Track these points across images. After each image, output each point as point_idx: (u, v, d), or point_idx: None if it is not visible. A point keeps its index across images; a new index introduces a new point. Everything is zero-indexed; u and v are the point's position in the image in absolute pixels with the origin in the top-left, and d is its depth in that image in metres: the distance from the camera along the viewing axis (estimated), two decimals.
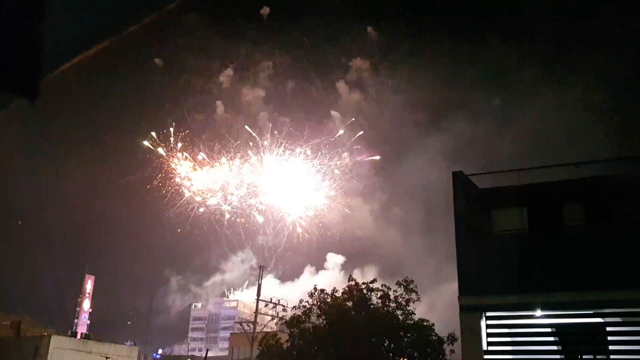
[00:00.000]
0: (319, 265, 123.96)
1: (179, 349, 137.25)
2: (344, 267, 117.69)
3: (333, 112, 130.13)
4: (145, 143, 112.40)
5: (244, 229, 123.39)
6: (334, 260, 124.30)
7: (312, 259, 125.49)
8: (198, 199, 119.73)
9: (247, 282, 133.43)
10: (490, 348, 19.74)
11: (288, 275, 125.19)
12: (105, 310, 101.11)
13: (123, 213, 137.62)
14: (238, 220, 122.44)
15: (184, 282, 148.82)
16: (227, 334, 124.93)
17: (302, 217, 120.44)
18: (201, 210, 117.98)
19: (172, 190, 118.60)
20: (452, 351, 32.32)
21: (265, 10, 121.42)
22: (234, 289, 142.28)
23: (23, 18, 1.68)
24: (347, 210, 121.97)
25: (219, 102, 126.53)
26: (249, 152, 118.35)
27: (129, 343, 79.20)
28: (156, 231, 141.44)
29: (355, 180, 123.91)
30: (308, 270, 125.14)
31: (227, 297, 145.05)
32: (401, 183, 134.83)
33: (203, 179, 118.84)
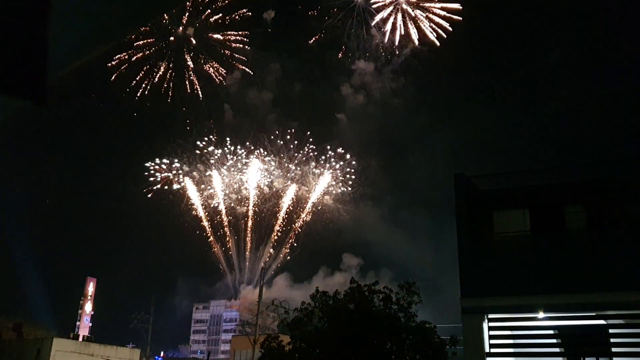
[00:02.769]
0: (335, 266, 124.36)
1: (185, 351, 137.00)
2: (362, 269, 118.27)
3: (339, 115, 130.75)
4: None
5: (258, 228, 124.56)
6: (350, 261, 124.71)
7: (327, 260, 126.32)
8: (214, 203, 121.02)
9: (256, 282, 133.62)
10: (493, 350, 19.72)
11: (303, 275, 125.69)
12: (107, 312, 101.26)
13: (130, 217, 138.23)
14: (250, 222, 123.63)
15: (193, 283, 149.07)
16: (229, 336, 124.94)
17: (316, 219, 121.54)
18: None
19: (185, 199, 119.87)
20: (454, 353, 32.25)
21: (270, 14, 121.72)
22: (243, 288, 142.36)
23: (29, 20, 1.69)
24: (356, 211, 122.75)
25: (227, 106, 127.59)
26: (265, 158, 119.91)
27: (131, 345, 79.17)
28: (165, 234, 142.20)
29: (364, 186, 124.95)
30: (323, 271, 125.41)
31: (236, 298, 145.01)
32: (409, 186, 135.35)
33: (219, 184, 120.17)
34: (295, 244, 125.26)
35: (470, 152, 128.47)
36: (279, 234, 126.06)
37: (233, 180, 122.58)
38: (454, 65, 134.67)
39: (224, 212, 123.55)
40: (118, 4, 1.93)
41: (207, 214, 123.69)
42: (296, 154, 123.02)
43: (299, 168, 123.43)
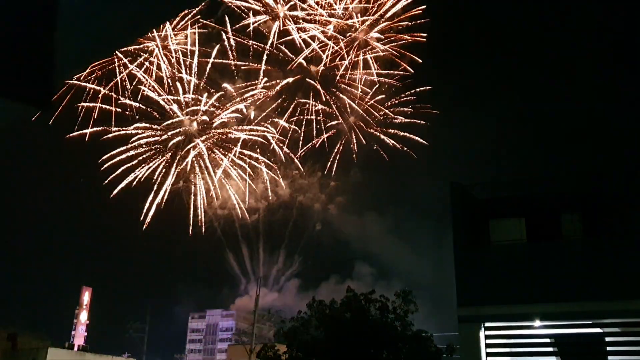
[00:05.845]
0: (346, 275, 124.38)
1: None
2: (375, 278, 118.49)
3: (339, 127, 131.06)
4: None
5: (265, 235, 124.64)
6: (361, 270, 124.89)
7: (338, 268, 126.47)
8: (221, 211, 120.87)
9: (271, 286, 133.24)
10: (489, 359, 19.71)
11: (314, 283, 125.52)
12: (103, 321, 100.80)
13: (132, 223, 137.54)
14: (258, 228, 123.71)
15: (196, 291, 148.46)
16: (225, 345, 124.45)
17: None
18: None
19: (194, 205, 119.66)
20: None
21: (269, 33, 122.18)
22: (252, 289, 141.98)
23: (35, 26, 1.73)
24: (361, 223, 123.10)
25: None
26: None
27: (126, 355, 78.84)
28: (166, 240, 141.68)
29: (368, 197, 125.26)
30: (334, 278, 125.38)
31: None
32: (412, 197, 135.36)
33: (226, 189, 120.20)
34: (305, 253, 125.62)
35: (471, 160, 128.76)
36: (289, 242, 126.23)
37: (240, 190, 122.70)
38: (450, 74, 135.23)
39: (235, 220, 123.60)
40: (122, 11, 1.97)
41: (218, 223, 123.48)
42: (300, 164, 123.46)
43: (303, 178, 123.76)
